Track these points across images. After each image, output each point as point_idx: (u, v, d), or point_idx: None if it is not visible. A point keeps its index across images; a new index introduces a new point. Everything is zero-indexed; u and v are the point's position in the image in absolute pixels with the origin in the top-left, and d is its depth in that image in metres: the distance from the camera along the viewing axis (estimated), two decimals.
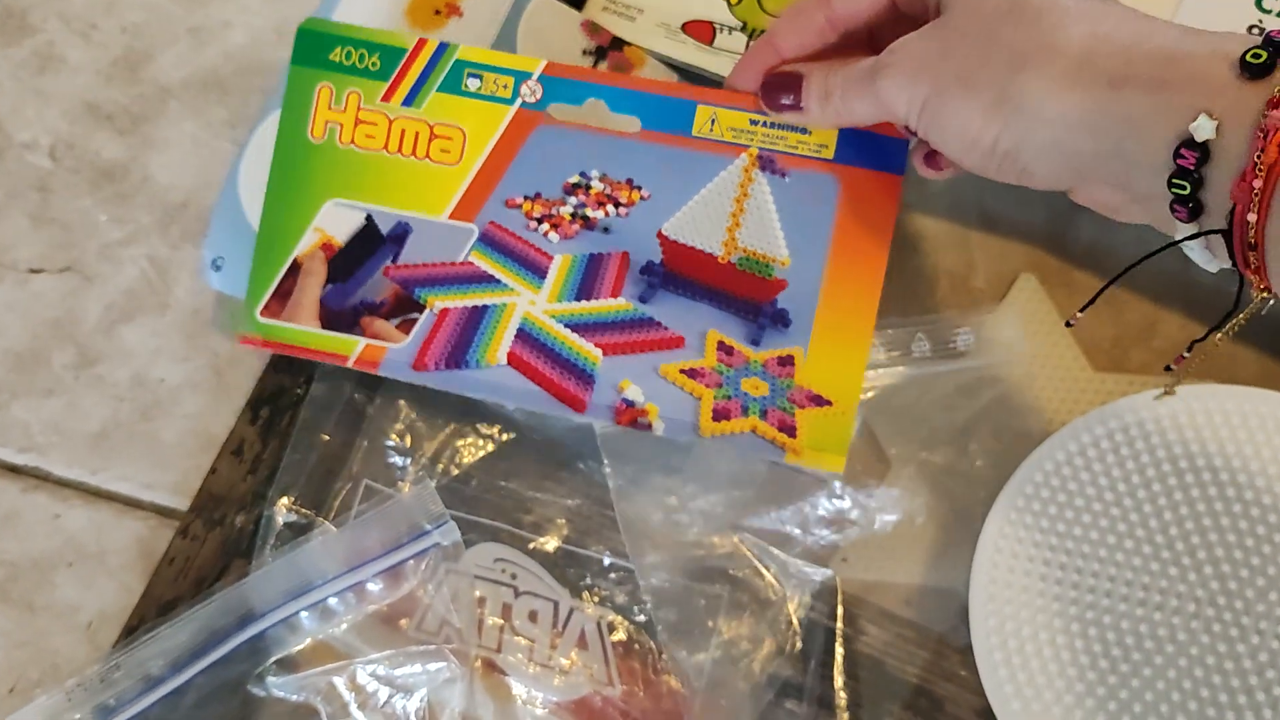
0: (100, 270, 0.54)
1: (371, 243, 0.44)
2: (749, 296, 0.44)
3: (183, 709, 0.39)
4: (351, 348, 0.43)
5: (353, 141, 0.44)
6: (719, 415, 0.43)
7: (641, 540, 0.42)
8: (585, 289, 0.44)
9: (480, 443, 0.44)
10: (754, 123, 0.44)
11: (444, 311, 0.43)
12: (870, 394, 0.45)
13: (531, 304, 0.43)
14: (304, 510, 0.42)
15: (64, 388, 0.53)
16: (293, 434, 0.43)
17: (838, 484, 0.44)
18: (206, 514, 0.43)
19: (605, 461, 0.43)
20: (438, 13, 0.48)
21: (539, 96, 0.44)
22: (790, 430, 0.42)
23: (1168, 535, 0.41)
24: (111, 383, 0.53)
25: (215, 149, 0.56)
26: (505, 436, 0.44)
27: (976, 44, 0.34)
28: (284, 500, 0.42)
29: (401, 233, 0.44)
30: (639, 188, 0.44)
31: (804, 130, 0.43)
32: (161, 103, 0.57)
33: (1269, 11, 0.47)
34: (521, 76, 0.44)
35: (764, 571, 0.42)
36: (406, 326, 0.43)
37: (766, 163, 0.44)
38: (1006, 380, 0.46)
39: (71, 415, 0.52)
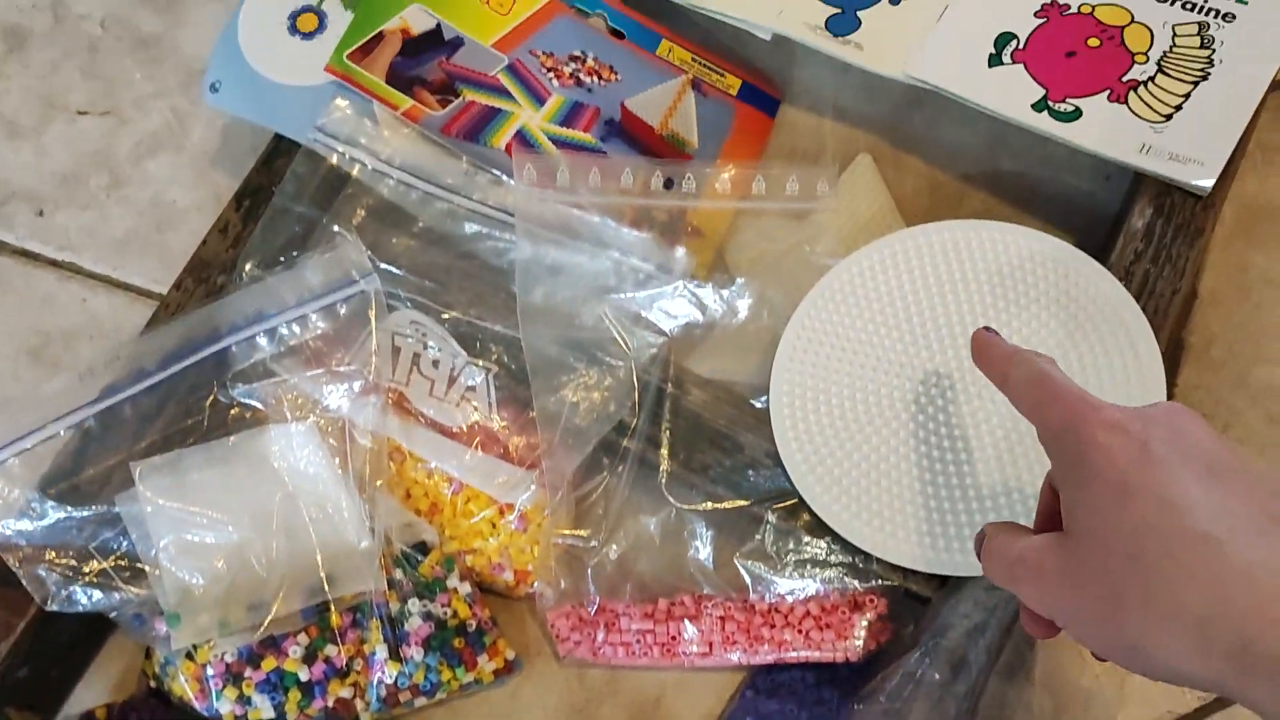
0: (133, 116, 0.68)
1: (436, 41, 0.60)
2: (668, 158, 0.60)
3: (166, 403, 0.52)
4: (403, 102, 0.58)
5: None
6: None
7: (533, 317, 0.55)
8: (567, 120, 0.60)
9: (408, 240, 0.57)
10: (694, 59, 0.62)
11: (471, 103, 0.59)
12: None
13: (530, 118, 0.59)
14: (267, 271, 0.55)
15: (98, 204, 0.66)
16: (264, 218, 0.56)
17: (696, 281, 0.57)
18: (196, 274, 0.56)
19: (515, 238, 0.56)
20: None
21: None
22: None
23: (922, 329, 0.53)
24: (135, 202, 0.66)
25: None
26: (428, 238, 0.57)
27: (1099, 584, 0.34)
28: (251, 263, 0.55)
29: (457, 42, 0.60)
30: (616, 72, 0.61)
31: (721, 74, 0.62)
32: None
33: None
34: None
35: (618, 339, 0.54)
36: (444, 103, 0.59)
37: (696, 84, 0.62)
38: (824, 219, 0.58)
39: (102, 224, 0.66)
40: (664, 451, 0.53)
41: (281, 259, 0.55)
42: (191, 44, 0.69)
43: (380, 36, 0.59)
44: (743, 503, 0.53)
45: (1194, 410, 0.36)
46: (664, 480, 0.53)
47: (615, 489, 0.54)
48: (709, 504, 0.53)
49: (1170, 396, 0.57)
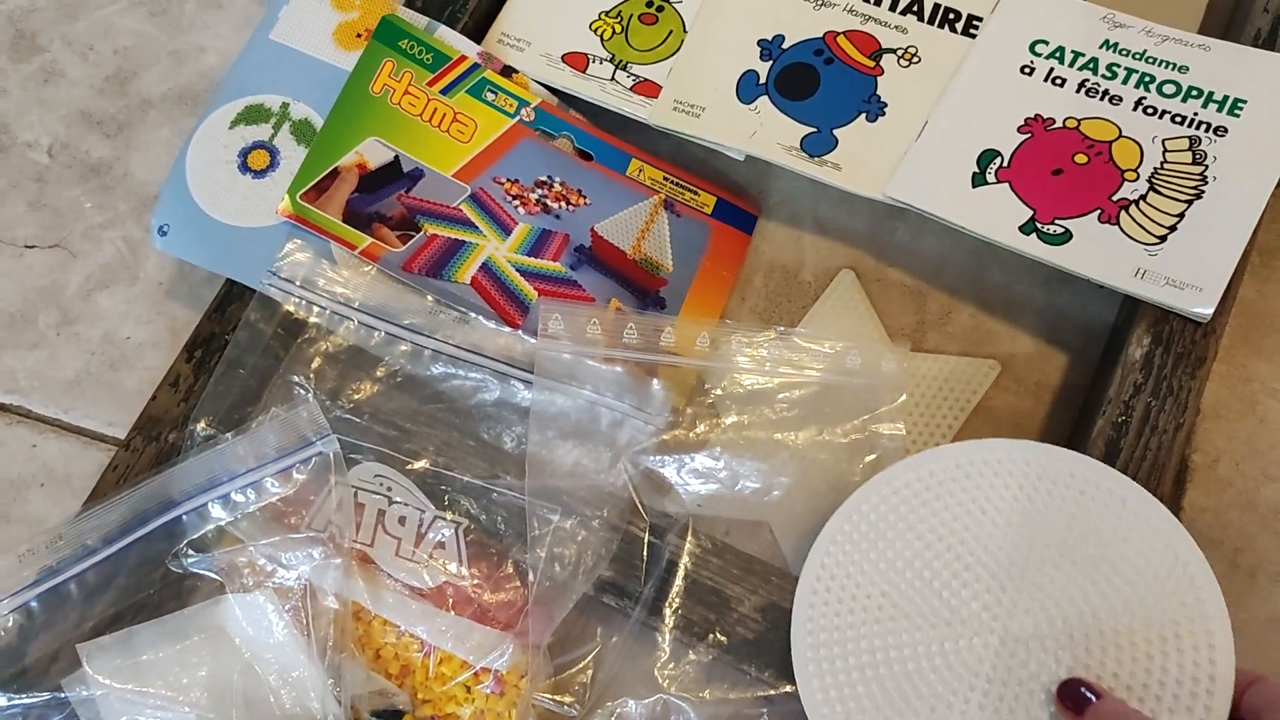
0: (83, 248, 0.65)
1: (394, 174, 0.57)
2: (642, 284, 0.58)
3: (114, 578, 0.49)
4: (361, 241, 0.55)
5: (399, 103, 0.58)
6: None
7: (537, 467, 0.52)
8: (535, 250, 0.57)
9: (371, 385, 0.54)
10: (666, 178, 0.59)
11: (434, 236, 0.56)
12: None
13: (496, 249, 0.57)
14: (220, 429, 0.52)
15: (47, 343, 0.63)
16: (217, 369, 0.53)
17: (719, 448, 0.54)
18: (145, 431, 0.53)
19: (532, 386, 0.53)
20: (359, 35, 0.59)
21: (532, 119, 0.59)
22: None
23: (948, 561, 0.49)
24: (86, 339, 0.63)
25: None
26: (391, 382, 0.54)
27: None
28: (204, 421, 0.52)
29: (417, 174, 0.57)
30: (585, 196, 0.58)
31: (695, 192, 0.59)
32: (143, 112, 0.68)
33: (1039, 55, 0.57)
34: (523, 103, 0.59)
35: (635, 499, 0.52)
36: (405, 239, 0.56)
37: (669, 205, 0.59)
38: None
39: (52, 365, 0.63)
40: (666, 629, 0.50)
41: (236, 416, 0.52)
42: (143, 169, 0.67)
43: (335, 173, 0.56)
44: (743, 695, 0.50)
45: None
46: (659, 662, 0.50)
47: (607, 659, 0.51)
48: (706, 693, 0.50)
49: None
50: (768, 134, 0.58)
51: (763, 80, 0.59)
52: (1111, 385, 0.51)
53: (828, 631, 0.48)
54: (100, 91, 0.69)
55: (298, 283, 0.54)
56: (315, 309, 0.54)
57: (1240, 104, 0.54)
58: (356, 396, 0.54)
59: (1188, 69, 0.55)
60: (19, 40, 0.70)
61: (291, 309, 0.54)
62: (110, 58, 0.70)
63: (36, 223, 0.66)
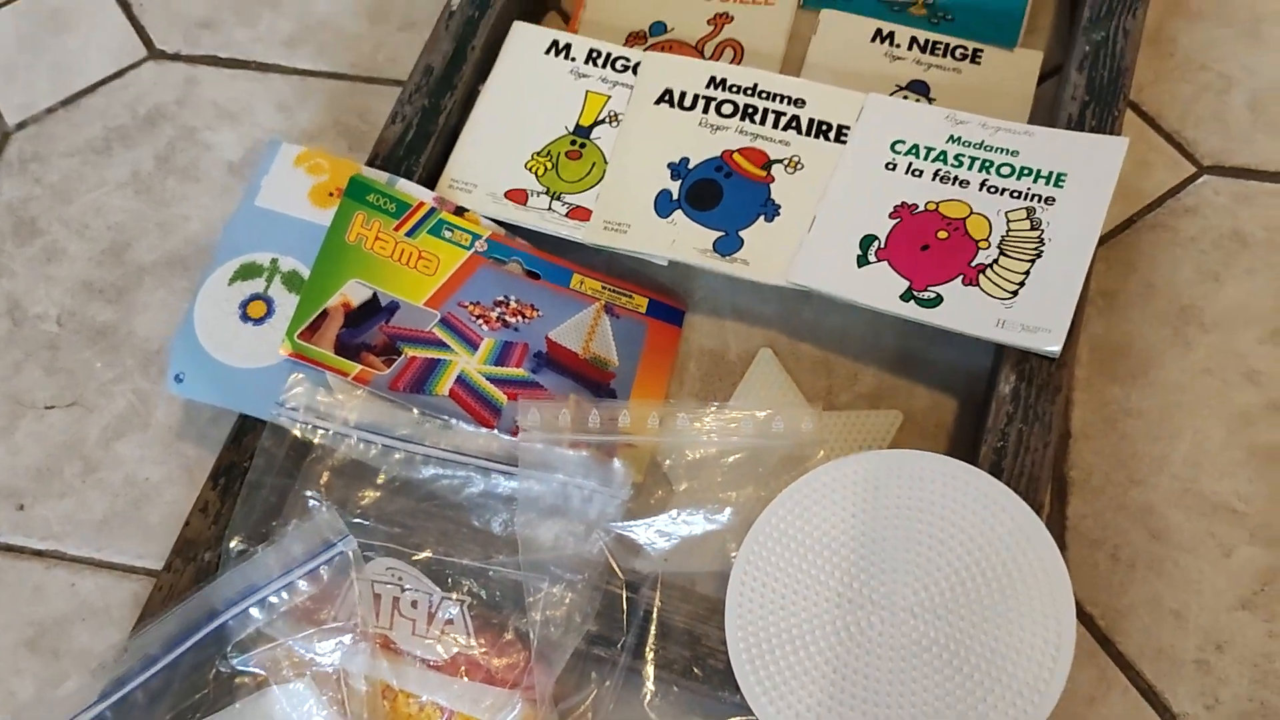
0: (98, 403, 0.74)
1: (374, 309, 0.67)
2: (594, 379, 0.68)
3: (172, 683, 0.57)
4: (352, 368, 0.65)
5: (372, 249, 0.68)
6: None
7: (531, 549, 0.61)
8: (500, 360, 0.67)
9: (374, 492, 0.63)
10: (604, 287, 0.70)
11: (413, 359, 0.66)
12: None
13: (467, 363, 0.66)
14: (250, 543, 0.60)
15: (74, 491, 0.71)
16: (241, 494, 0.62)
17: (676, 510, 0.63)
18: (184, 554, 0.62)
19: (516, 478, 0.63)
20: (331, 194, 0.69)
21: (485, 249, 0.69)
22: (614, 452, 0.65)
23: (854, 557, 0.59)
24: (109, 484, 0.71)
25: (180, 308, 0.76)
26: (391, 487, 0.64)
27: None
28: (236, 538, 0.61)
29: (393, 306, 0.67)
30: (537, 309, 0.69)
31: (629, 295, 0.69)
32: (139, 278, 0.77)
33: (899, 152, 0.69)
34: (476, 237, 0.70)
35: (612, 563, 0.61)
36: (389, 363, 0.66)
37: (609, 309, 0.70)
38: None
39: (81, 510, 0.71)
40: (649, 670, 0.59)
41: (263, 530, 0.61)
42: (145, 328, 0.76)
43: (324, 314, 0.66)
44: None
45: None
46: (647, 698, 0.59)
47: (602, 702, 0.59)
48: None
49: (1063, 529, 0.65)
50: (685, 241, 0.69)
51: (676, 197, 0.70)
52: (989, 417, 0.61)
53: (755, 625, 0.58)
54: (99, 263, 0.78)
55: (302, 410, 0.64)
56: (319, 431, 0.63)
57: (1063, 177, 0.66)
58: (363, 503, 0.63)
59: (1018, 153, 0.68)
60: (20, 226, 0.79)
61: (299, 434, 0.63)
62: (105, 233, 0.79)
63: (54, 385, 0.74)
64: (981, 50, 0.78)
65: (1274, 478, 0.66)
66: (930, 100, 0.77)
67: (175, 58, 0.86)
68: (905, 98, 0.77)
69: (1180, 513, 0.65)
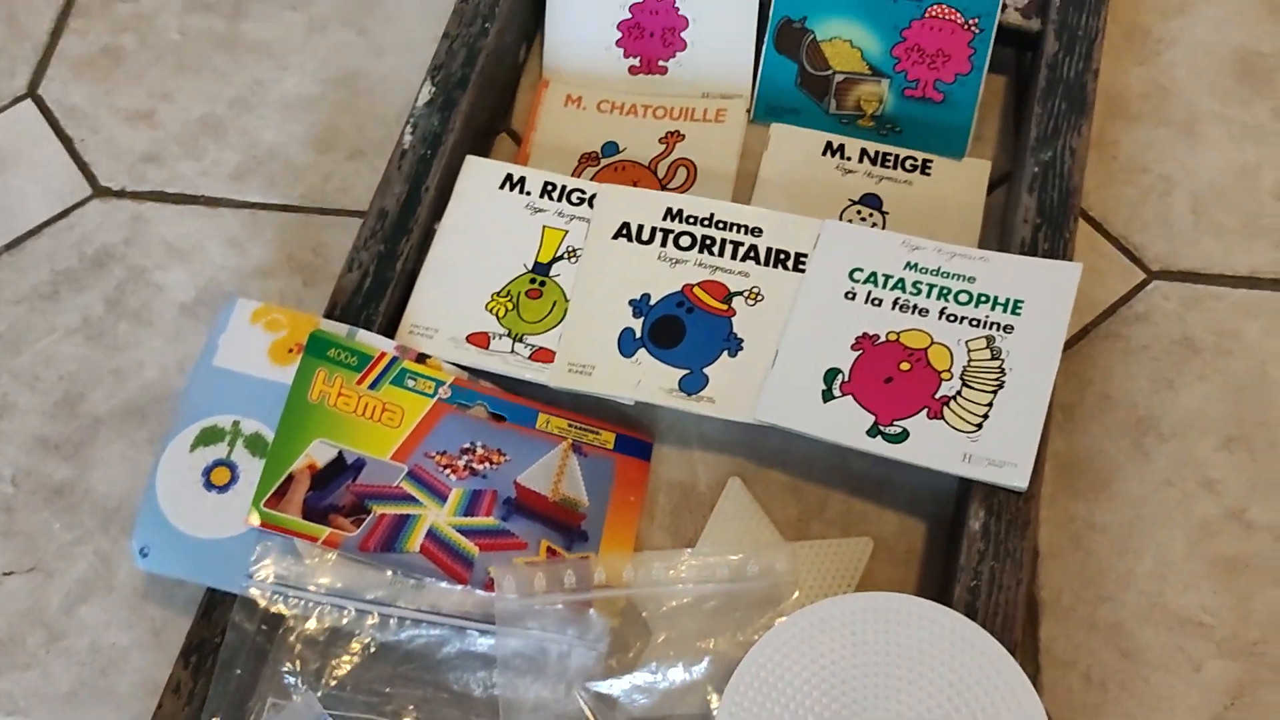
0: (59, 566, 0.72)
1: (340, 468, 0.66)
2: (565, 521, 0.68)
3: None
4: (320, 532, 0.64)
5: (335, 405, 0.67)
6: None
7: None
8: (470, 509, 0.66)
9: (350, 659, 0.63)
10: (570, 425, 0.70)
11: (382, 516, 0.65)
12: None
13: (437, 516, 0.66)
14: None
15: (38, 661, 0.70)
16: (215, 672, 0.61)
17: (654, 663, 0.63)
18: None
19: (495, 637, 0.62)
20: (290, 350, 0.69)
21: (449, 395, 0.69)
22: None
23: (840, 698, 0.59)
24: (75, 652, 0.70)
25: (139, 461, 0.74)
26: (367, 653, 0.63)
27: None
28: None
29: (359, 464, 0.67)
30: (504, 454, 0.69)
31: (596, 432, 0.70)
32: (95, 430, 0.76)
33: (857, 280, 0.70)
34: (440, 383, 0.69)
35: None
36: (357, 523, 0.65)
37: (576, 448, 0.70)
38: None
39: (46, 682, 0.69)
40: None
41: (236, 710, 0.60)
42: (104, 484, 0.74)
43: (290, 478, 0.65)
44: None
45: None
46: None
47: None
48: None
49: (1036, 652, 0.66)
50: (650, 381, 0.69)
51: (639, 335, 0.70)
52: (961, 555, 0.62)
53: None
54: (52, 417, 0.76)
55: (272, 580, 0.63)
56: (291, 601, 0.63)
57: (1019, 304, 0.67)
58: (338, 673, 0.62)
59: (975, 279, 0.69)
60: None
61: (269, 606, 0.62)
62: (56, 384, 0.77)
63: (12, 549, 0.72)
64: (931, 161, 0.80)
65: (1237, 588, 0.67)
66: (884, 214, 0.78)
67: (121, 194, 0.84)
68: (859, 213, 0.78)
69: (1149, 629, 0.67)
